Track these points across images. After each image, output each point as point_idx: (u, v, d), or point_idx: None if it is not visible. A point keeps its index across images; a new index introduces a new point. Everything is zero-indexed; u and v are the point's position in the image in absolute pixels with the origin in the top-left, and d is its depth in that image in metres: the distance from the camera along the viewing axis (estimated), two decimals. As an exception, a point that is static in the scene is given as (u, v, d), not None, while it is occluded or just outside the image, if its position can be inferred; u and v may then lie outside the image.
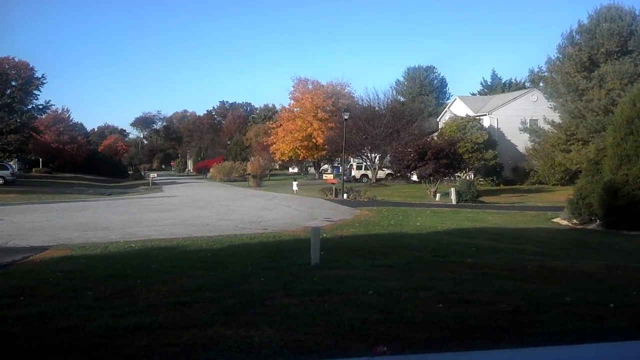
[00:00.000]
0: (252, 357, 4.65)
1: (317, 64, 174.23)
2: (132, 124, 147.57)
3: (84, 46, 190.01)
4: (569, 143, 41.02)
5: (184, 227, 17.26)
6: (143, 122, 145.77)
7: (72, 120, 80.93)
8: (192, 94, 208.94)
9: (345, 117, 39.87)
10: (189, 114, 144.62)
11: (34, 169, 71.47)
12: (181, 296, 6.95)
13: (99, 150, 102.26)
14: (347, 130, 43.02)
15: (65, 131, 74.56)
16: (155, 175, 66.42)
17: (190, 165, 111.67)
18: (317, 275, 8.48)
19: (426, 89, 79.17)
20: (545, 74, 44.99)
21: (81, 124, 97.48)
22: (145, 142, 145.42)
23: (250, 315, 5.96)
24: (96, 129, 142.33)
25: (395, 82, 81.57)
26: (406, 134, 47.05)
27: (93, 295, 7.17)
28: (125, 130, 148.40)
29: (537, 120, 46.73)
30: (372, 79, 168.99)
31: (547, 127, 44.27)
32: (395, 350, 4.55)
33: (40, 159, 73.56)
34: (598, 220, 20.02)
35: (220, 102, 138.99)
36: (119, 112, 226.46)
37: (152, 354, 4.74)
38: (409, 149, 36.28)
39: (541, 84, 47.22)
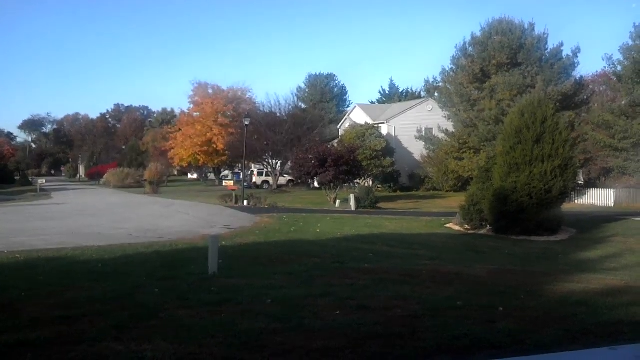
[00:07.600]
0: (144, 373, 4.44)
1: (217, 68, 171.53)
2: (20, 127, 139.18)
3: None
4: (461, 151, 42.80)
5: (74, 236, 16.53)
6: (31, 125, 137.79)
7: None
8: (85, 96, 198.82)
9: (246, 122, 39.76)
10: (81, 117, 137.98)
11: None
12: (69, 309, 6.60)
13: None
14: (248, 136, 42.83)
15: (-56, 134, 69.41)
16: (44, 181, 62.90)
17: (82, 170, 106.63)
18: (215, 284, 8.31)
19: (327, 96, 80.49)
20: (440, 84, 46.77)
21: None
22: (34, 146, 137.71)
23: (142, 328, 5.72)
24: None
25: (297, 89, 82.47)
26: (307, 140, 47.36)
27: (-29, 310, 6.66)
28: (12, 134, 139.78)
29: (432, 129, 48.53)
30: (274, 85, 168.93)
31: (441, 135, 45.99)
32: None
33: None
34: (488, 226, 21.00)
35: (115, 105, 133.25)
36: (6, 114, 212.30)
37: (36, 373, 4.43)
38: (310, 156, 36.54)
39: (436, 94, 49.03)
